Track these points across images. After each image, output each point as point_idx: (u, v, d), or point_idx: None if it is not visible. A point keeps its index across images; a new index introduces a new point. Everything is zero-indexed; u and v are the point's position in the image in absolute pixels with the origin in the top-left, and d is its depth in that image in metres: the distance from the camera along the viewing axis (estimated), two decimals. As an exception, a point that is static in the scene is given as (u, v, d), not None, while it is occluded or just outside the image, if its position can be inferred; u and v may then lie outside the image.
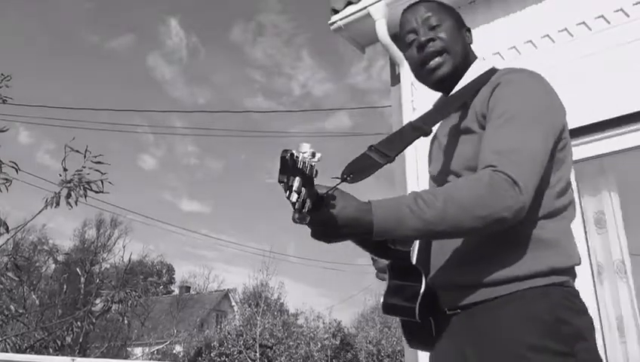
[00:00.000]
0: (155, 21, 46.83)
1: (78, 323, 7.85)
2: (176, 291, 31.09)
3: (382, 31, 3.83)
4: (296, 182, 0.88)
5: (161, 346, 18.32)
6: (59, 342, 7.76)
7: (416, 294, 1.23)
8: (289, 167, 0.88)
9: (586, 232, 3.07)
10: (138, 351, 19.26)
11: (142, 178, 44.71)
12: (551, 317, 1.09)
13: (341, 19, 4.03)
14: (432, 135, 1.32)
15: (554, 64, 3.37)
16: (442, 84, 1.32)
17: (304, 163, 0.89)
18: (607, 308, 3.01)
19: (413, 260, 1.24)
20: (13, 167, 6.06)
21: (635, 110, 2.94)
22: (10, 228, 6.29)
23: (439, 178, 1.30)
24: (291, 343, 19.38)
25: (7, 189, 6.03)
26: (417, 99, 3.91)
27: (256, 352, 15.67)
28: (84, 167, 6.18)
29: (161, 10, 45.01)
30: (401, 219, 0.99)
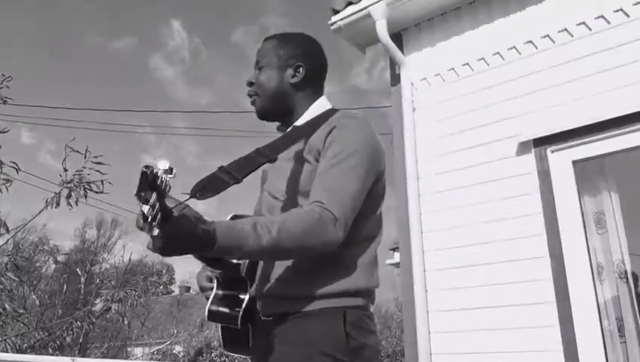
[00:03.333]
0: (157, 23, 46.78)
1: (78, 323, 7.86)
2: (177, 291, 31.07)
3: (382, 31, 3.83)
4: (153, 197, 0.92)
5: (161, 346, 18.30)
6: (59, 342, 7.77)
7: (240, 302, 1.38)
8: (148, 182, 0.91)
9: (586, 232, 3.07)
10: (138, 351, 19.24)
11: (142, 178, 44.60)
12: (342, 333, 1.26)
13: (341, 20, 4.03)
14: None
15: (554, 64, 3.37)
16: (261, 119, 1.53)
17: (162, 179, 0.93)
18: (607, 308, 3.01)
19: (244, 272, 1.37)
20: (13, 167, 6.06)
21: (635, 110, 2.95)
22: (10, 229, 6.29)
23: (272, 197, 1.44)
24: (291, 343, 19.27)
25: (8, 189, 6.03)
26: (417, 99, 3.92)
27: (256, 352, 15.63)
28: (85, 168, 6.19)
29: (163, 12, 44.97)
30: (240, 242, 1.10)
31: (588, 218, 3.15)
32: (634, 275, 3.04)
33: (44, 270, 21.60)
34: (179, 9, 44.16)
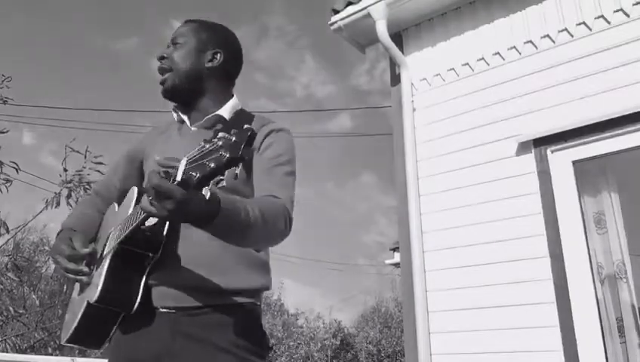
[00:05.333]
0: (158, 23, 46.77)
1: (78, 323, 7.83)
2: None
3: (382, 31, 3.83)
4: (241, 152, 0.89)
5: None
6: (59, 342, 7.76)
7: (137, 287, 1.22)
8: (248, 141, 0.90)
9: (586, 232, 3.07)
10: (138, 351, 19.26)
11: (142, 178, 44.61)
12: (261, 332, 1.31)
13: (341, 20, 4.03)
14: (160, 132, 1.52)
15: (554, 64, 3.37)
16: (168, 97, 1.48)
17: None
18: (607, 308, 3.01)
19: (156, 254, 1.24)
20: (13, 167, 6.08)
21: (635, 110, 2.94)
22: (10, 229, 6.30)
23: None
24: (291, 343, 19.37)
25: (8, 189, 6.04)
26: (417, 99, 3.92)
27: (256, 352, 15.63)
28: (85, 168, 6.20)
29: (164, 13, 44.93)
30: (235, 223, 1.06)
31: (588, 218, 3.15)
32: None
33: (44, 270, 21.60)
34: (180, 10, 44.16)
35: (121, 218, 1.29)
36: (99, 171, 6.18)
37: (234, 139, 0.90)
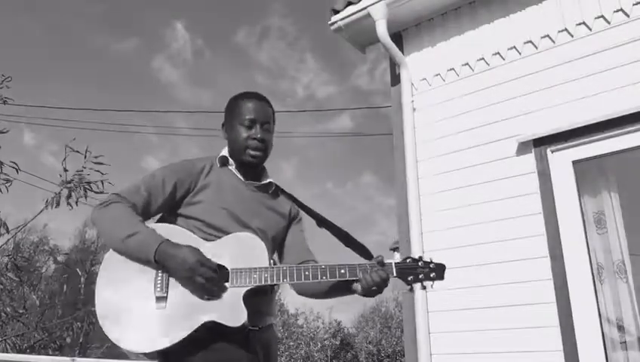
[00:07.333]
0: (160, 24, 46.68)
1: (78, 323, 7.86)
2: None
3: (382, 31, 3.83)
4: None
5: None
6: (59, 343, 7.77)
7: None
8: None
9: (586, 232, 3.07)
10: (138, 351, 19.23)
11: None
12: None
13: (341, 20, 4.03)
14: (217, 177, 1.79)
15: (554, 64, 3.37)
16: (250, 168, 1.81)
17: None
18: (607, 308, 3.01)
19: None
20: (13, 167, 6.08)
21: (635, 110, 2.95)
22: (10, 229, 6.30)
23: (243, 221, 1.72)
24: (291, 343, 19.40)
25: (7, 189, 6.05)
26: (417, 99, 3.92)
27: (256, 352, 15.63)
28: (85, 168, 6.20)
29: (166, 14, 44.87)
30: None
31: (588, 218, 3.15)
32: None
33: (44, 270, 21.61)
34: (181, 11, 44.14)
35: (235, 259, 1.60)
36: (99, 171, 6.18)
37: (438, 268, 1.59)
